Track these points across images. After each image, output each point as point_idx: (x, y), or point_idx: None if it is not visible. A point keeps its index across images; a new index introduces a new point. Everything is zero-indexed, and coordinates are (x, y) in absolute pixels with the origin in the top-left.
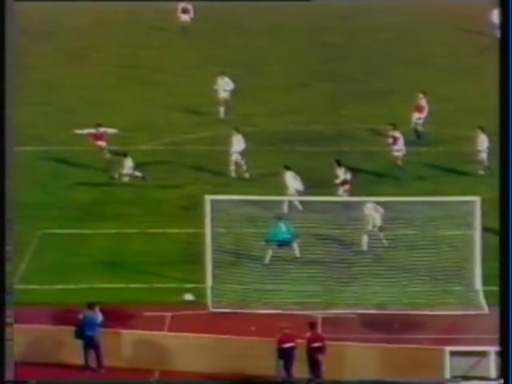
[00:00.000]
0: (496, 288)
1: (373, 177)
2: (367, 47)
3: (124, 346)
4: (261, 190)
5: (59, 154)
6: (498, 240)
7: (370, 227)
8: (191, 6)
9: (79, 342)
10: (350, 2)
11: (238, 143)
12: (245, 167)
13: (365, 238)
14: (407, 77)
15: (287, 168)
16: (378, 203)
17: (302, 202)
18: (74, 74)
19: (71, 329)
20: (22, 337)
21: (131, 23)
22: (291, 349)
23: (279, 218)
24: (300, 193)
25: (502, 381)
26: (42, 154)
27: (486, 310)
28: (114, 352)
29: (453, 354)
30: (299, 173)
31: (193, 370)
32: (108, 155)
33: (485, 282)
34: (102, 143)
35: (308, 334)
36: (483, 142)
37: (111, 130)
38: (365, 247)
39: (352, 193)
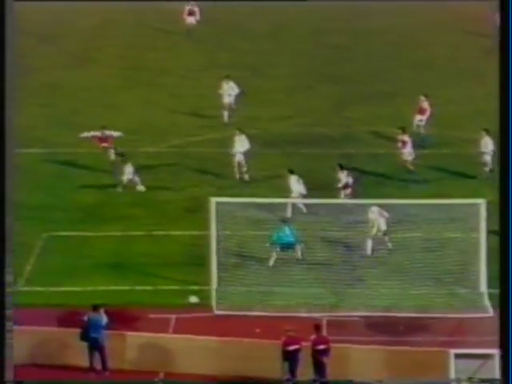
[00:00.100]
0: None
1: (378, 179)
2: (372, 49)
3: (129, 348)
4: (265, 192)
5: (64, 156)
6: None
7: (374, 232)
8: (197, 8)
9: (84, 344)
10: (354, 4)
11: (241, 144)
12: (245, 168)
13: (369, 243)
14: (412, 79)
15: (291, 172)
16: (383, 206)
17: (306, 205)
18: (79, 75)
19: (76, 331)
20: (27, 339)
21: (136, 25)
22: (296, 351)
23: (284, 220)
24: (304, 196)
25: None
26: (47, 156)
27: (490, 312)
28: (119, 354)
29: (457, 356)
30: (304, 175)
31: (197, 372)
32: (113, 157)
33: (489, 285)
34: (106, 145)
35: (313, 337)
36: (488, 145)
37: (116, 133)
38: (369, 252)
39: (354, 196)
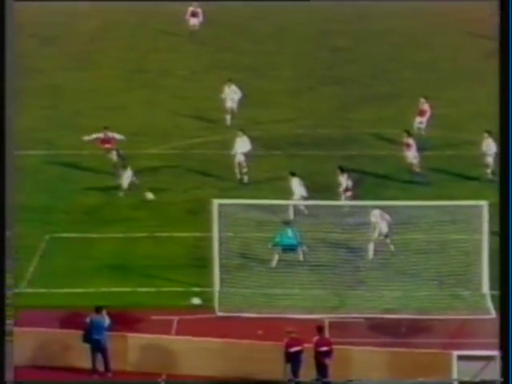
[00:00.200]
0: None
1: (380, 181)
2: (374, 51)
3: (131, 349)
4: (268, 193)
5: (66, 158)
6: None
7: (376, 235)
8: (200, 9)
9: (86, 346)
10: (356, 6)
11: (243, 145)
12: (246, 169)
13: (371, 246)
14: (414, 81)
15: (293, 174)
16: (385, 209)
17: (308, 207)
18: (82, 77)
19: (78, 332)
20: (30, 340)
21: (138, 27)
22: (299, 353)
23: (287, 222)
24: (305, 198)
25: None
26: (49, 157)
27: (493, 314)
28: (121, 356)
29: (460, 358)
30: (306, 177)
31: (200, 374)
32: (115, 158)
33: (492, 286)
34: (109, 146)
35: (315, 338)
36: (490, 146)
37: (119, 136)
38: (371, 255)
39: (355, 199)
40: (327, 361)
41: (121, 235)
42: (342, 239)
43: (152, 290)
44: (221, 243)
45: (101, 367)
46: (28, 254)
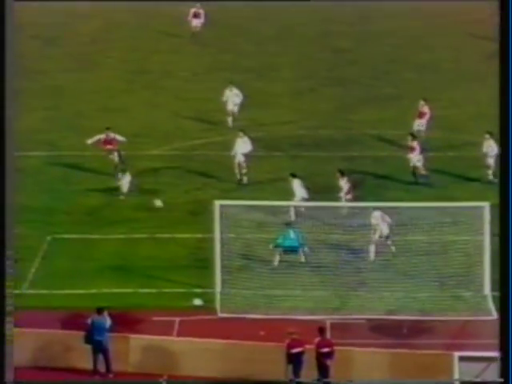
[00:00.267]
0: None
1: (381, 182)
2: (375, 52)
3: (132, 350)
4: (269, 195)
5: (68, 159)
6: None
7: (377, 237)
8: (202, 10)
9: (88, 347)
10: (357, 7)
11: (244, 145)
12: (245, 170)
13: (372, 248)
14: (416, 82)
15: (293, 175)
16: (386, 210)
17: (309, 208)
18: (83, 78)
19: (80, 333)
20: (31, 341)
21: (140, 28)
22: (300, 354)
23: (288, 224)
24: (306, 200)
25: None
26: (51, 159)
27: (494, 315)
28: (123, 357)
29: (462, 359)
30: (307, 178)
31: (201, 375)
32: (116, 159)
33: (493, 287)
34: (111, 147)
35: (317, 340)
36: (492, 147)
37: (120, 138)
38: (372, 257)
39: (355, 201)
40: (329, 362)
41: (122, 236)
42: (344, 240)
43: (153, 291)
44: (222, 244)
45: (102, 368)
46: (29, 255)
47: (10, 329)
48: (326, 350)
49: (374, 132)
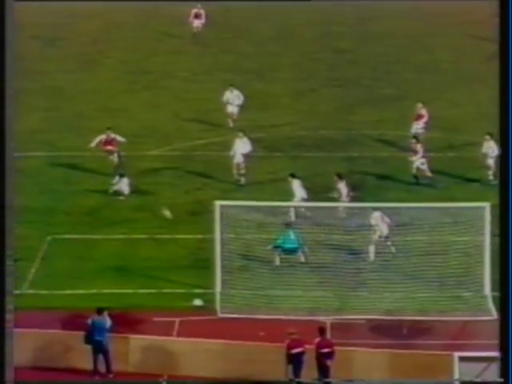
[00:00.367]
0: None
1: (382, 183)
2: (376, 53)
3: (133, 351)
4: (270, 195)
5: (68, 160)
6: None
7: (376, 237)
8: (203, 11)
9: (88, 347)
10: (358, 8)
11: (243, 146)
12: (243, 171)
13: (372, 248)
14: (417, 82)
15: (293, 176)
16: (387, 211)
17: (309, 209)
18: (84, 79)
19: (80, 334)
20: (31, 341)
21: (141, 28)
22: (300, 354)
23: (288, 225)
24: (306, 200)
25: None
26: (51, 159)
27: (495, 315)
28: (123, 357)
29: (462, 359)
30: (308, 179)
31: (201, 375)
32: (116, 160)
33: (494, 288)
34: (111, 148)
35: (317, 340)
36: (492, 148)
37: (120, 138)
38: (372, 257)
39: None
40: (329, 362)
41: (122, 237)
42: (344, 241)
43: (153, 291)
44: (222, 245)
45: (102, 368)
46: (29, 256)
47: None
48: (326, 350)
49: (375, 133)
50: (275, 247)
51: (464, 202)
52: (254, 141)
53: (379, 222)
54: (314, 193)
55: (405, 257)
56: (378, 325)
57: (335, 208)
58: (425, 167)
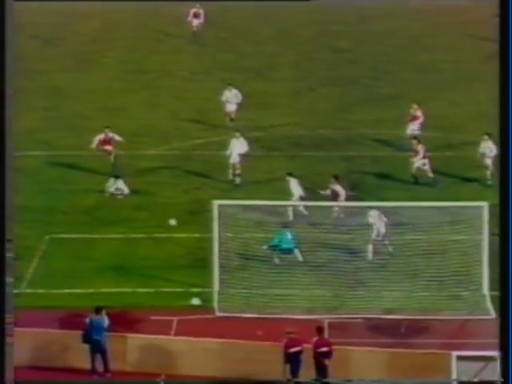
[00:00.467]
0: None
1: (380, 182)
2: (375, 52)
3: (130, 350)
4: (268, 194)
5: (67, 159)
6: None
7: (374, 236)
8: (202, 10)
9: (86, 346)
10: (357, 8)
11: (240, 146)
12: (239, 171)
13: (370, 247)
14: (415, 82)
15: (290, 175)
16: (385, 210)
17: (307, 208)
18: (82, 78)
19: (78, 333)
20: (29, 341)
21: (139, 28)
22: (298, 353)
23: (285, 225)
24: (303, 199)
25: None
26: (50, 158)
27: (493, 314)
28: (121, 356)
29: (460, 358)
30: (306, 178)
31: (199, 375)
32: (114, 160)
33: (492, 287)
34: (109, 148)
35: (315, 339)
36: (490, 148)
37: (118, 138)
38: (370, 256)
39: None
40: (326, 361)
41: (121, 236)
42: (342, 240)
43: (152, 290)
44: (220, 244)
45: (100, 368)
46: (28, 255)
47: (10, 329)
48: (323, 349)
49: (373, 132)
50: (271, 247)
51: (463, 202)
52: (252, 140)
53: (377, 221)
54: (312, 192)
55: (403, 256)
56: (376, 324)
57: (332, 208)
58: (427, 168)
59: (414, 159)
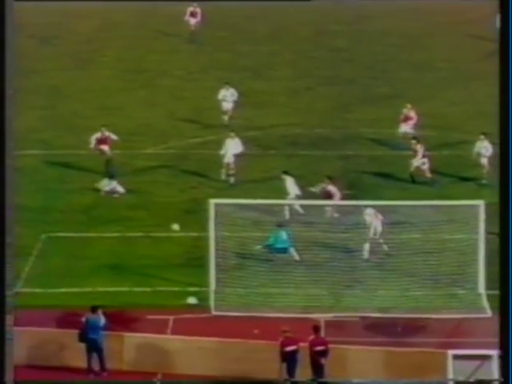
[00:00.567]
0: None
1: (377, 181)
2: (373, 52)
3: (127, 349)
4: (265, 193)
5: (64, 158)
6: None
7: (371, 234)
8: (199, 9)
9: (82, 345)
10: (354, 7)
11: (234, 147)
12: (233, 171)
13: (366, 246)
14: (413, 81)
15: (286, 173)
16: (382, 209)
17: (303, 207)
18: (80, 77)
19: (74, 332)
20: (26, 340)
21: (137, 27)
22: (294, 352)
23: (280, 224)
24: (299, 197)
25: None
26: (47, 158)
27: (489, 313)
28: (117, 355)
29: (456, 357)
30: (303, 177)
31: (195, 374)
32: (111, 159)
33: (489, 286)
34: (105, 147)
35: (311, 338)
36: (486, 148)
37: (114, 136)
38: (366, 255)
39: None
40: (323, 360)
41: (117, 235)
42: (338, 239)
43: (148, 289)
44: (217, 243)
45: (96, 367)
46: (24, 254)
47: (10, 329)
48: (320, 348)
49: (371, 131)
50: (266, 246)
51: (459, 200)
52: (249, 139)
53: (373, 219)
54: (308, 191)
55: (399, 255)
56: (372, 323)
57: (328, 207)
58: (426, 167)
59: (414, 159)
